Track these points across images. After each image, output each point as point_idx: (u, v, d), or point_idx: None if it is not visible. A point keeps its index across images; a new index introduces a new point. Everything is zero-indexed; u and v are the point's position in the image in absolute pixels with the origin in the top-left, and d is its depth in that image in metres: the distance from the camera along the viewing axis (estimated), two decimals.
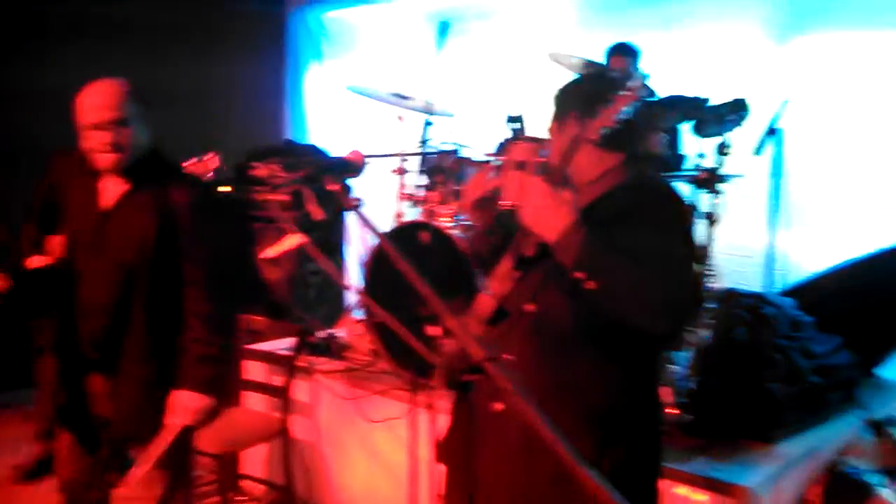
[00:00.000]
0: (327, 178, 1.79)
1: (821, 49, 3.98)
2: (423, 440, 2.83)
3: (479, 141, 3.77)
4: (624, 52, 3.67)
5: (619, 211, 1.82)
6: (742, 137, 3.28)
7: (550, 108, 1.95)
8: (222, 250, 2.29)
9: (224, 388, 2.42)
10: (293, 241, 1.62)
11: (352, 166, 1.99)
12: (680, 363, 3.15)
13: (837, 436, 2.90)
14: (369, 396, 3.23)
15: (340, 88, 4.70)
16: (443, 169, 3.65)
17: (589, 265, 1.69)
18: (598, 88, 1.88)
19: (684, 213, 1.95)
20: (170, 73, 5.18)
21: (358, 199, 1.72)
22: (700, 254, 2.99)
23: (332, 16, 5.81)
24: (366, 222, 1.65)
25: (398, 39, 5.25)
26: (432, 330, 2.04)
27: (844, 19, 3.96)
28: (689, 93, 3.27)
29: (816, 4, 4.03)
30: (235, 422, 3.35)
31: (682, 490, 2.54)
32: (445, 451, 2.09)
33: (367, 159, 2.01)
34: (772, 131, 3.32)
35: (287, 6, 5.98)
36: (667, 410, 2.78)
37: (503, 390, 1.40)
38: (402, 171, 3.80)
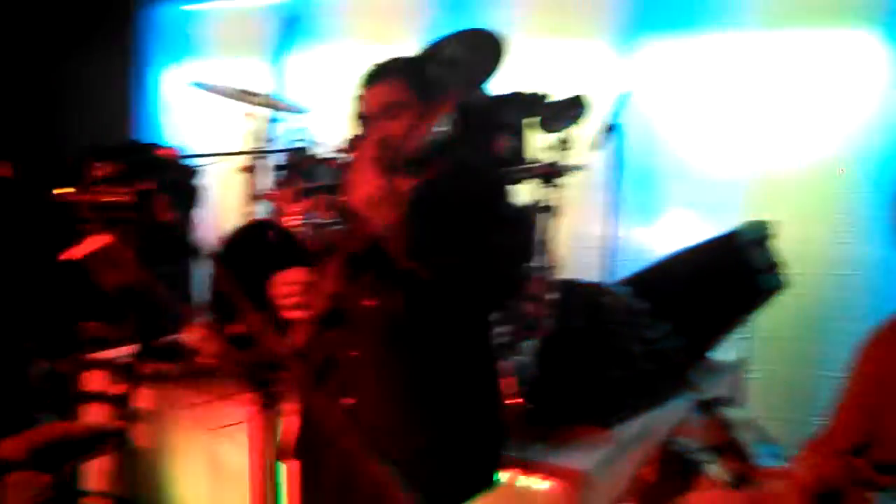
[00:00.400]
0: (143, 178, 1.74)
1: (659, 50, 4.18)
2: (270, 443, 2.78)
3: (330, 137, 3.73)
4: None
5: (444, 197, 1.86)
6: (583, 132, 3.40)
7: (383, 91, 1.96)
8: (15, 254, 2.19)
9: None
10: (97, 242, 1.55)
11: (165, 164, 1.94)
12: (522, 354, 3.23)
13: (670, 417, 3.04)
14: (214, 401, 3.14)
15: (190, 85, 4.57)
16: (293, 166, 3.60)
17: (416, 255, 1.72)
18: (434, 74, 1.93)
19: (504, 198, 2.01)
20: (15, 71, 4.90)
21: (170, 200, 1.67)
22: (538, 243, 3.08)
23: (186, 10, 5.63)
24: (181, 224, 1.61)
25: (250, 35, 5.14)
26: (235, 329, 2.01)
27: (681, 23, 4.17)
28: (529, 89, 3.35)
29: (654, 9, 4.23)
30: (73, 435, 3.20)
31: (525, 479, 2.61)
32: (297, 449, 2.09)
33: (181, 156, 1.96)
34: (611, 126, 3.43)
35: (140, 1, 5.75)
36: (509, 401, 2.85)
37: (302, 387, 1.40)
38: (251, 169, 3.72)
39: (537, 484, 2.60)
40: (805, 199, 3.93)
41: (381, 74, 1.98)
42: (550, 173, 3.28)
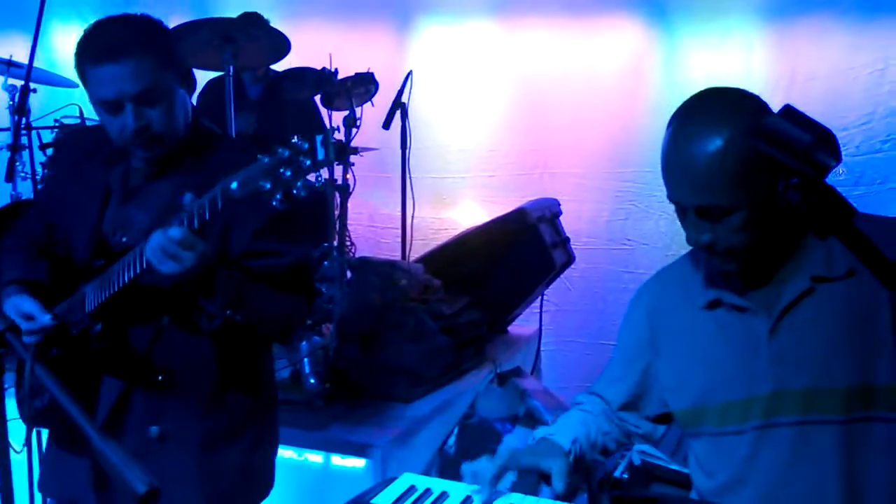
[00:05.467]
0: None
1: (438, 34, 4.25)
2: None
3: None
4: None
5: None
6: (373, 111, 3.36)
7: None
8: None
9: None
10: None
11: None
12: (321, 334, 3.15)
13: (469, 389, 3.06)
14: None
15: None
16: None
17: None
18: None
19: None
20: None
21: None
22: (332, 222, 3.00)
23: None
24: None
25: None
26: None
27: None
28: (317, 66, 3.25)
29: None
30: None
31: (336, 458, 2.54)
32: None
33: None
34: (399, 105, 3.41)
35: None
36: (311, 381, 2.76)
37: None
38: (16, 148, 3.37)
39: (345, 462, 2.54)
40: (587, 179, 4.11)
41: (123, 48, 1.52)
42: (340, 151, 3.21)
